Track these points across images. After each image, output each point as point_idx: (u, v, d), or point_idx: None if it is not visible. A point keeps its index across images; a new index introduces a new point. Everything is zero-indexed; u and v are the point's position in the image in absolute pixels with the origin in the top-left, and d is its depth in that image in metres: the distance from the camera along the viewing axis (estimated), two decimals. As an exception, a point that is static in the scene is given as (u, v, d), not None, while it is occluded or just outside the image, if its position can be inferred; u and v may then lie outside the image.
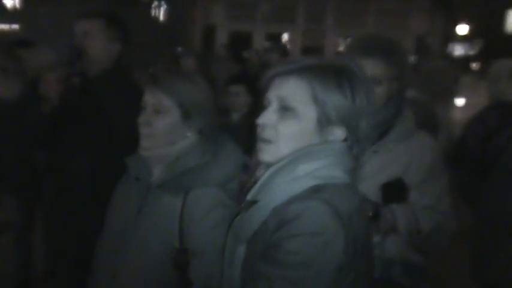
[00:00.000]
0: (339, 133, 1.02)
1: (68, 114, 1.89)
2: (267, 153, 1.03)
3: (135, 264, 1.35)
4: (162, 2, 10.25)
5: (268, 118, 1.01)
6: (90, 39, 2.00)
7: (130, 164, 1.43)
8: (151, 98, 1.35)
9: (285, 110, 1.00)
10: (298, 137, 1.01)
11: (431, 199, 1.66)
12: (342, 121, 1.01)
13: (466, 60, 9.58)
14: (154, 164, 1.38)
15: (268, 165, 1.03)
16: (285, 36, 10.78)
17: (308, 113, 0.99)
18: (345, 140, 1.02)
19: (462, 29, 9.60)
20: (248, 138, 1.72)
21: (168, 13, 10.24)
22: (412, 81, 3.90)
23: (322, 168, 1.01)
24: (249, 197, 1.05)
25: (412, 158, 1.63)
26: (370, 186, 1.54)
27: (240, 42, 9.84)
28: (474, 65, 9.95)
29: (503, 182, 2.70)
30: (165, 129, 1.33)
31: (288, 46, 10.02)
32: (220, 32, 10.10)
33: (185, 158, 1.36)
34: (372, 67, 1.60)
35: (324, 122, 1.00)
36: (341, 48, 10.22)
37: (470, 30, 9.65)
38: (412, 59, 9.17)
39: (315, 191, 0.97)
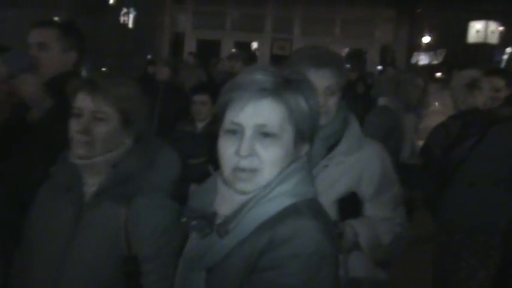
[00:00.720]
0: (306, 147, 1.04)
1: (21, 127, 1.85)
2: (249, 183, 0.99)
3: (81, 277, 1.33)
4: (131, 9, 10.16)
5: (250, 148, 0.97)
6: (45, 49, 1.96)
7: (57, 174, 1.39)
8: (89, 104, 1.32)
9: (266, 136, 0.98)
10: (281, 161, 1.00)
11: (388, 210, 1.68)
12: (310, 135, 1.03)
13: (430, 69, 9.79)
14: (89, 172, 1.36)
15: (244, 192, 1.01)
16: (254, 45, 10.82)
17: (286, 135, 0.99)
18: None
19: (426, 39, 9.81)
20: (211, 147, 1.72)
21: (137, 20, 10.15)
22: (383, 90, 3.97)
23: (297, 186, 1.02)
24: (219, 224, 1.01)
25: (363, 169, 1.65)
26: (324, 202, 1.56)
27: (208, 50, 9.84)
28: (438, 74, 10.19)
29: (462, 193, 2.78)
30: (104, 137, 1.32)
31: (257, 54, 10.07)
32: (188, 40, 10.06)
33: (124, 165, 1.35)
34: (326, 77, 1.62)
35: (299, 140, 1.01)
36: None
37: (434, 40, 9.87)
38: (378, 68, 9.32)
39: (299, 209, 0.98)
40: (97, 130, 1.33)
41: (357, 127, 1.72)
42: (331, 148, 1.67)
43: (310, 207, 1.00)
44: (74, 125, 1.34)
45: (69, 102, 1.37)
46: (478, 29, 9.73)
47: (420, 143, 3.62)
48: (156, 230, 1.34)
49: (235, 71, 5.22)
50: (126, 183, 1.35)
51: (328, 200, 1.59)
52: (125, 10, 10.22)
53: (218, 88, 3.68)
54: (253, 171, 0.99)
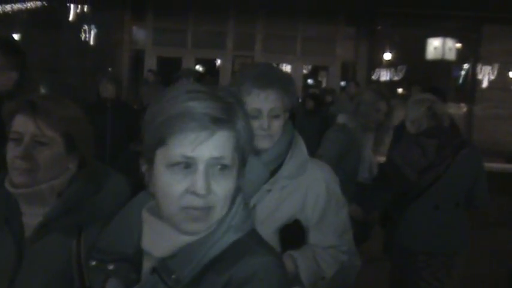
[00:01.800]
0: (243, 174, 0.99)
1: None
2: (202, 222, 0.91)
3: None
4: (92, 26, 9.99)
5: (208, 186, 0.89)
6: None
7: None
8: (30, 127, 1.20)
9: (221, 169, 0.91)
10: (231, 194, 0.93)
11: (333, 238, 1.59)
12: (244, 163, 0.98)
13: (391, 85, 9.97)
14: (30, 202, 1.24)
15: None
16: (219, 61, 10.78)
17: (235, 165, 0.94)
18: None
19: (387, 56, 10.00)
20: None
21: (97, 37, 9.98)
22: (344, 108, 3.91)
23: (237, 219, 0.95)
24: (160, 268, 0.90)
25: (307, 194, 1.56)
26: (266, 230, 1.46)
27: (169, 67, 9.73)
28: (400, 90, 10.39)
29: (427, 216, 2.74)
30: (48, 163, 1.21)
31: (220, 71, 10.01)
32: (148, 57, 9.93)
33: (70, 193, 1.24)
34: (270, 100, 1.54)
35: (241, 169, 0.96)
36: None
37: (394, 57, 10.06)
38: (340, 84, 9.39)
39: (249, 246, 0.92)
40: (39, 156, 1.23)
41: (303, 149, 1.64)
42: (274, 172, 1.59)
43: (258, 241, 0.96)
44: (13, 151, 1.22)
45: (4, 125, 1.26)
46: (435, 46, 9.96)
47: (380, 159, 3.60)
48: None
49: None
50: (74, 212, 1.25)
51: (270, 227, 1.51)
52: (85, 27, 10.04)
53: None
54: (208, 209, 0.90)
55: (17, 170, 1.23)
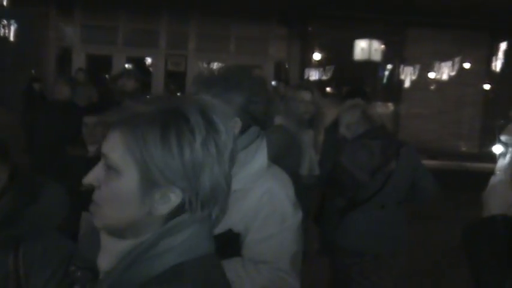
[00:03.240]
0: (171, 196, 0.87)
1: None
2: (95, 219, 0.91)
3: None
4: (12, 21, 9.44)
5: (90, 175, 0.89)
6: None
7: None
8: None
9: (108, 168, 0.88)
10: (121, 199, 0.88)
11: (269, 254, 1.49)
12: (172, 182, 0.86)
13: (320, 84, 10.25)
14: None
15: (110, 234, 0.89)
16: (148, 60, 10.56)
17: (130, 174, 0.87)
18: (183, 202, 0.87)
19: (317, 56, 10.28)
20: None
21: (19, 33, 9.45)
22: (278, 108, 3.96)
23: (184, 242, 0.88)
24: (98, 282, 0.88)
25: (250, 204, 1.52)
26: None
27: (99, 66, 9.42)
28: (328, 89, 10.69)
29: (373, 216, 2.82)
30: None
31: (151, 70, 9.83)
32: (76, 55, 9.55)
33: (3, 205, 1.17)
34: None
35: (147, 184, 0.87)
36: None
37: (324, 58, 10.35)
38: (272, 84, 9.51)
39: (181, 273, 0.85)
40: None
41: (261, 155, 1.62)
42: None
43: (198, 269, 0.87)
44: None
45: None
46: (362, 47, 10.34)
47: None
48: (53, 276, 1.17)
49: (126, 90, 4.99)
50: (9, 225, 1.17)
51: None
52: (4, 22, 9.48)
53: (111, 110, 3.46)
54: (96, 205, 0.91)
55: None
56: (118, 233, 0.90)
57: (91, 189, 3.05)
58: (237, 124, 1.55)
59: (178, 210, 0.88)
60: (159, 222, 0.89)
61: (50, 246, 1.20)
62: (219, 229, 1.43)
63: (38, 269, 1.17)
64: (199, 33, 9.90)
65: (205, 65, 10.34)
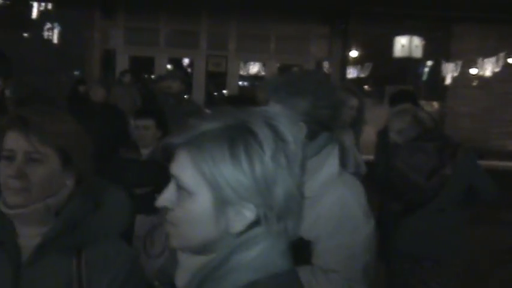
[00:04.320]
0: (246, 213, 0.86)
1: None
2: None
3: None
4: (56, 24, 9.69)
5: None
6: None
7: None
8: (23, 144, 1.14)
9: (180, 189, 0.87)
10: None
11: (338, 262, 1.47)
12: (245, 199, 0.84)
13: (358, 82, 10.16)
14: (25, 223, 1.16)
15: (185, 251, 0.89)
16: (185, 61, 10.65)
17: (203, 194, 0.85)
18: (258, 218, 0.86)
19: (353, 54, 10.18)
20: (158, 176, 1.56)
21: (63, 36, 9.70)
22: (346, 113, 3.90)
23: (258, 257, 0.86)
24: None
25: (321, 211, 1.50)
26: None
27: (141, 67, 9.57)
28: (366, 87, 10.60)
29: (432, 220, 2.76)
30: (43, 180, 1.15)
31: (190, 71, 9.91)
32: (120, 57, 9.72)
33: (68, 211, 1.18)
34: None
35: (220, 203, 0.85)
36: (243, 72, 10.32)
37: (363, 55, 10.24)
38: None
39: None
40: (33, 173, 1.17)
41: (332, 162, 1.59)
42: None
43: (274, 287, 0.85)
44: (5, 170, 1.16)
45: None
46: (403, 44, 10.16)
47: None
48: (114, 282, 1.17)
49: (173, 91, 5.05)
50: (73, 231, 1.19)
51: None
52: (48, 25, 9.74)
53: (162, 112, 3.54)
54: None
55: (11, 190, 1.17)
56: (193, 250, 0.89)
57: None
58: (302, 129, 1.54)
59: (254, 225, 0.87)
60: (234, 237, 0.88)
61: (110, 252, 1.21)
62: None
63: (98, 275, 1.18)
64: (240, 33, 9.92)
65: (244, 65, 10.37)
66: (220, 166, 0.83)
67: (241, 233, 0.86)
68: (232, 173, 0.83)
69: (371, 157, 4.10)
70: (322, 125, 1.58)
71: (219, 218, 0.85)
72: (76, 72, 9.82)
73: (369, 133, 4.25)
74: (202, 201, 0.85)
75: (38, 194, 1.18)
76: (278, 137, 0.85)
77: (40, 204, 1.18)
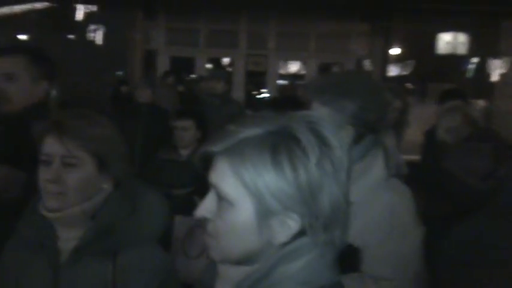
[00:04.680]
0: (290, 223, 0.83)
1: None
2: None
3: None
4: (100, 26, 9.92)
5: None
6: (13, 80, 1.77)
7: (26, 229, 1.21)
8: (59, 149, 1.15)
9: (221, 199, 0.85)
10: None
11: (389, 270, 1.44)
12: (289, 208, 0.81)
13: (401, 80, 9.95)
14: (63, 226, 1.17)
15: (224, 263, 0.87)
16: (225, 60, 10.70)
17: (245, 204, 0.82)
18: (304, 228, 0.83)
19: (395, 51, 9.96)
20: (197, 177, 1.55)
21: (107, 37, 9.92)
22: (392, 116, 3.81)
23: (304, 269, 0.83)
24: None
25: (369, 218, 1.46)
26: None
27: (181, 67, 9.67)
28: (409, 85, 10.39)
29: (485, 224, 2.63)
30: (79, 185, 1.16)
31: (231, 69, 9.95)
32: (161, 57, 9.86)
33: (104, 215, 1.18)
34: (311, 109, 1.47)
35: (263, 213, 0.82)
36: (282, 71, 10.28)
37: (403, 52, 10.01)
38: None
39: None
40: (69, 178, 1.19)
41: (378, 166, 1.55)
42: None
43: None
44: (43, 174, 1.18)
45: (35, 147, 1.23)
46: (447, 41, 9.91)
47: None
48: (148, 287, 1.17)
49: (217, 92, 5.05)
50: (110, 235, 1.20)
51: None
52: (94, 26, 9.97)
53: (201, 113, 3.52)
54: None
55: (48, 193, 1.19)
56: (234, 261, 0.87)
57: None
58: (349, 132, 1.51)
59: (298, 235, 0.83)
60: (278, 248, 0.85)
61: (146, 257, 1.21)
62: None
63: (132, 279, 1.18)
64: (279, 32, 9.89)
65: (284, 64, 10.33)
66: (263, 174, 0.80)
67: (286, 243, 0.83)
68: (275, 181, 0.80)
69: (414, 157, 3.99)
70: (369, 128, 1.55)
71: (262, 229, 0.82)
72: (119, 73, 10.03)
73: (412, 133, 4.14)
74: (244, 211, 0.82)
75: (74, 198, 1.19)
76: (322, 143, 0.82)
77: (77, 208, 1.20)
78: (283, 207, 0.81)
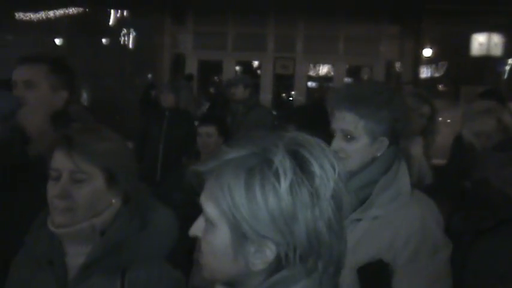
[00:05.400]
0: (266, 251, 0.79)
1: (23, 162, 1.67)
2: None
3: None
4: (131, 30, 10.07)
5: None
6: (33, 88, 1.79)
7: (34, 244, 1.20)
8: (67, 164, 1.13)
9: (206, 220, 0.84)
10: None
11: (421, 286, 1.43)
12: (263, 236, 0.78)
13: (433, 82, 9.74)
14: (72, 242, 1.15)
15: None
16: (255, 64, 10.70)
17: (223, 227, 0.81)
18: (278, 256, 0.79)
19: (427, 52, 9.75)
20: None
21: (137, 41, 10.06)
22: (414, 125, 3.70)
23: None
24: None
25: (398, 232, 1.43)
26: (345, 267, 1.34)
27: (210, 71, 9.73)
28: (441, 87, 10.15)
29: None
30: (87, 200, 1.14)
31: (260, 73, 9.95)
32: (189, 61, 9.94)
33: (113, 231, 1.16)
34: (341, 120, 1.45)
35: (238, 238, 0.80)
36: (311, 73, 10.21)
37: (435, 53, 9.79)
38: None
39: None
40: (78, 193, 1.17)
41: (402, 179, 1.50)
42: (363, 201, 1.49)
43: None
44: (51, 190, 1.17)
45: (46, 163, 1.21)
46: (481, 42, 9.68)
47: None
48: None
49: (236, 98, 5.03)
50: (119, 252, 1.18)
51: (349, 263, 1.39)
52: (124, 31, 10.13)
53: (224, 119, 3.50)
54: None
55: (56, 209, 1.17)
56: (223, 283, 0.86)
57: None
58: (384, 144, 1.49)
59: (280, 265, 0.80)
60: (263, 276, 0.81)
61: (154, 274, 1.19)
62: (367, 258, 1.39)
63: None
64: (307, 35, 9.83)
65: (312, 67, 10.27)
66: (236, 198, 0.78)
67: (270, 271, 0.80)
68: (247, 205, 0.77)
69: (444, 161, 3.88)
70: (394, 138, 1.52)
71: (238, 254, 0.81)
72: (149, 76, 10.16)
73: (445, 137, 4.03)
74: (222, 234, 0.81)
75: (83, 213, 1.18)
76: (301, 169, 0.78)
77: (86, 224, 1.18)
78: (257, 234, 0.78)
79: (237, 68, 10.22)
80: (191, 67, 9.76)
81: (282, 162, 0.77)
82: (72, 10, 9.93)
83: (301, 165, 0.77)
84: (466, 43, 9.70)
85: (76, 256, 1.20)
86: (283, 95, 10.65)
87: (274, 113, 6.78)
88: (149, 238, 1.22)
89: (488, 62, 9.88)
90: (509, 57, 10.01)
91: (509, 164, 2.46)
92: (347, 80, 10.07)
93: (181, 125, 4.62)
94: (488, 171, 2.53)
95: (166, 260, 1.25)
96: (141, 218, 1.24)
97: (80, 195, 1.17)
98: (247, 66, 10.62)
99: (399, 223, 1.44)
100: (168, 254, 1.26)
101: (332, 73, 10.23)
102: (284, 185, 0.76)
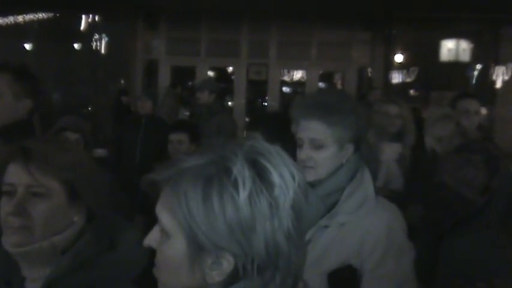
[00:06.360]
0: (223, 262, 0.78)
1: None
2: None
3: None
4: (103, 35, 9.96)
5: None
6: None
7: None
8: (23, 178, 1.04)
9: (162, 231, 0.82)
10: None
11: None
12: (220, 247, 0.76)
13: (404, 87, 9.90)
14: (30, 263, 1.06)
15: None
16: (229, 69, 10.69)
17: (178, 238, 0.79)
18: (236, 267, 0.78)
19: (399, 58, 9.91)
20: None
21: (109, 46, 9.95)
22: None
23: None
24: None
25: (365, 237, 1.45)
26: (314, 271, 1.33)
27: (183, 77, 9.67)
28: (412, 92, 10.32)
29: (478, 236, 2.56)
30: (46, 217, 1.05)
31: (233, 78, 9.95)
32: (162, 67, 9.86)
33: (76, 250, 1.07)
34: (311, 129, 1.47)
35: (194, 250, 0.78)
36: (285, 78, 10.26)
37: (406, 59, 9.96)
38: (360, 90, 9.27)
39: None
40: (35, 210, 1.06)
41: (367, 185, 1.53)
42: (331, 208, 1.50)
43: None
44: (5, 206, 1.06)
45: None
46: (450, 48, 9.89)
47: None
48: None
49: (201, 103, 5.02)
50: (82, 273, 1.08)
51: (319, 269, 1.39)
52: (96, 36, 10.01)
53: (196, 126, 3.48)
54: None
55: (11, 228, 1.06)
56: None
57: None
58: (350, 151, 1.51)
59: (237, 276, 0.78)
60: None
61: None
62: (336, 264, 1.40)
63: None
64: (280, 41, 9.87)
65: (287, 72, 10.32)
66: (193, 208, 0.76)
67: (226, 284, 0.78)
68: (204, 216, 0.75)
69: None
70: (357, 144, 1.55)
71: (194, 266, 0.78)
72: (121, 82, 10.04)
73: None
74: (177, 245, 0.78)
75: (41, 232, 1.07)
76: (260, 178, 0.76)
77: (45, 243, 1.07)
78: (214, 245, 0.76)
79: (211, 73, 10.18)
80: (164, 73, 9.69)
81: (241, 171, 0.75)
82: (42, 14, 9.76)
83: (261, 175, 0.76)
84: (436, 49, 9.90)
85: (34, 280, 1.09)
86: (259, 100, 10.67)
87: (247, 119, 6.76)
88: (117, 258, 1.13)
89: (457, 67, 10.09)
90: (477, 63, 10.25)
91: (465, 165, 2.52)
92: (320, 85, 10.16)
93: (158, 133, 4.58)
94: (445, 173, 2.58)
95: (133, 283, 1.19)
96: (107, 237, 1.16)
97: (38, 212, 1.06)
98: (220, 72, 10.59)
99: (366, 229, 1.46)
100: (136, 277, 1.20)
101: (305, 79, 10.30)
102: (243, 195, 0.74)
